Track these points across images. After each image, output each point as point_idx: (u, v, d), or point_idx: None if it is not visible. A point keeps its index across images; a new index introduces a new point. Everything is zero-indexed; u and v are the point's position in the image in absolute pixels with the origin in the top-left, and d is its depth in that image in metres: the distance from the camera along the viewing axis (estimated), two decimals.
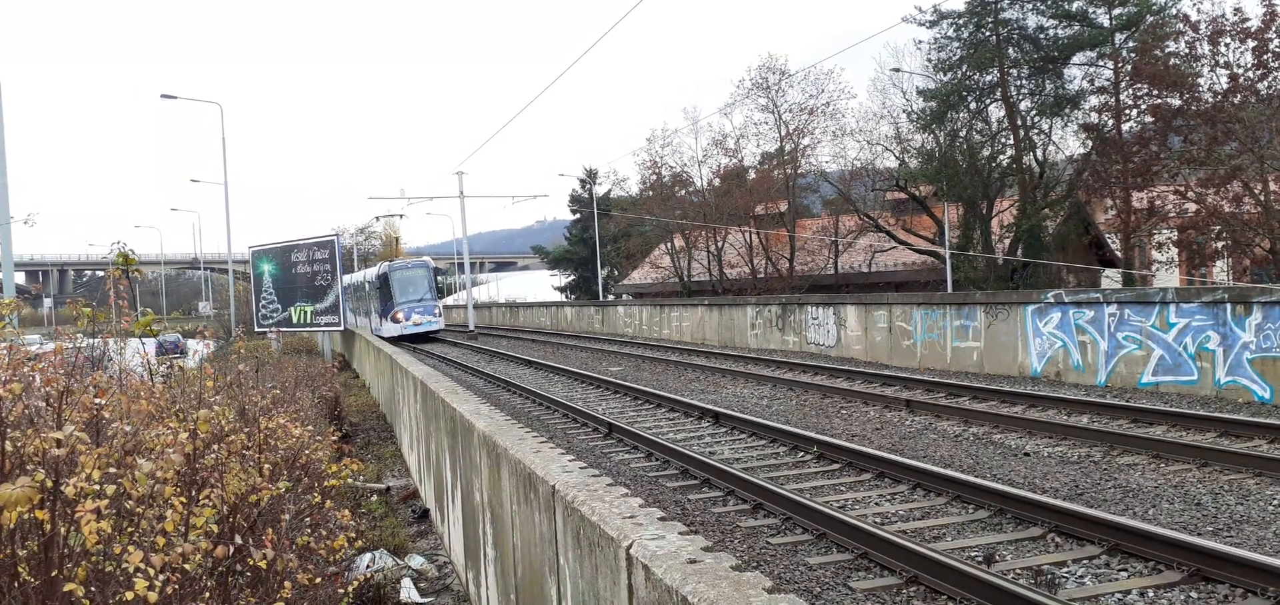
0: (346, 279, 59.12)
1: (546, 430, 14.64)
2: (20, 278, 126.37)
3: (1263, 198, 24.42)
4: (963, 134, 35.27)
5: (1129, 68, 29.07)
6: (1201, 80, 26.00)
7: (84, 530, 4.00)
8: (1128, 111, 29.77)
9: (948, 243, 34.04)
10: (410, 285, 41.00)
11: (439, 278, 43.32)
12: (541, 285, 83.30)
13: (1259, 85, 24.62)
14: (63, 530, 4.21)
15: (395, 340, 35.91)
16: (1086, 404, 13.62)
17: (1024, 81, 33.41)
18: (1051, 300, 18.11)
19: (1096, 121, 31.51)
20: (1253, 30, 24.37)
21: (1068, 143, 34.59)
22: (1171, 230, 28.49)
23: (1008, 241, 34.87)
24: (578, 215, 65.78)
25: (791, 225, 41.37)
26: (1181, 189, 26.86)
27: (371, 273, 45.90)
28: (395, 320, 39.69)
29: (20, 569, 4.17)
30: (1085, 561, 6.96)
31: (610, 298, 56.39)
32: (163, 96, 41.85)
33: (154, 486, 4.43)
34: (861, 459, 10.57)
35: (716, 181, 45.31)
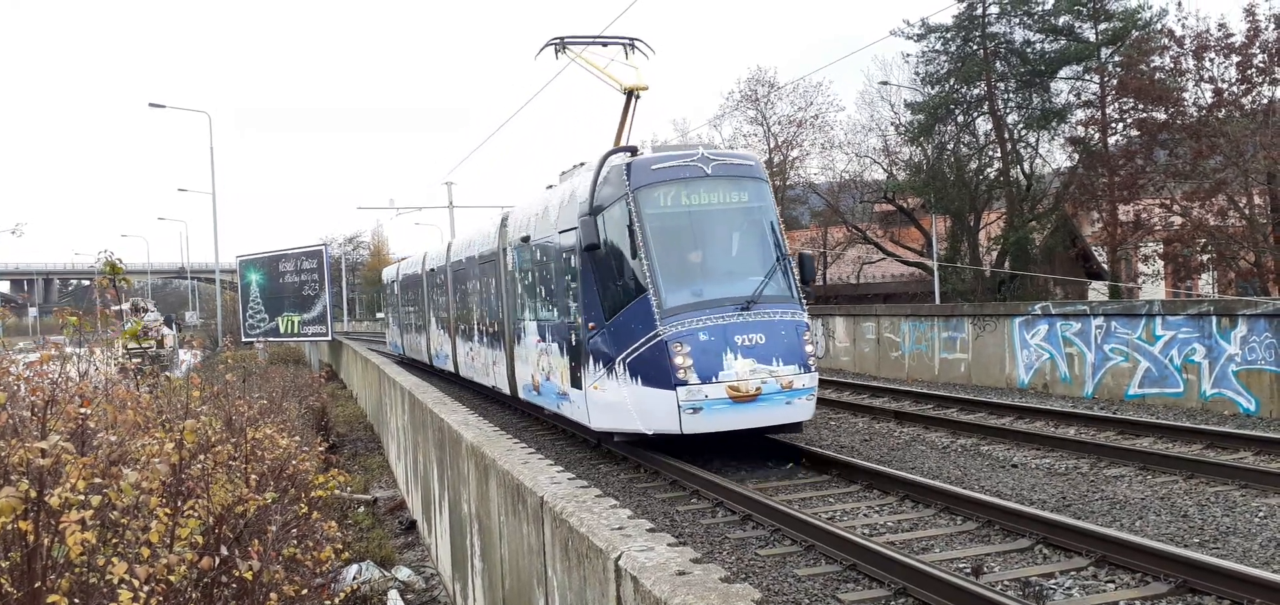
0: (422, 261, 25.67)
1: (534, 442, 14.60)
2: (4, 286, 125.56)
3: (1247, 211, 24.62)
4: (950, 147, 35.50)
5: (1115, 82, 29.31)
6: (1186, 94, 26.25)
7: (68, 541, 3.97)
8: (1114, 125, 30.02)
9: (935, 255, 34.18)
10: (717, 246, 11.71)
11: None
12: None
13: (1243, 99, 24.85)
14: (46, 541, 4.17)
15: (672, 443, 11.08)
16: (1074, 416, 13.67)
17: (1011, 95, 33.66)
18: (1038, 312, 18.19)
19: (1083, 135, 31.75)
20: (1237, 45, 24.60)
21: (1054, 156, 34.88)
22: (1157, 243, 28.68)
23: (995, 254, 35.07)
24: None
25: None
26: (1167, 202, 27.06)
27: (543, 203, 14.01)
28: (673, 377, 10.52)
29: (2, 581, 4.13)
30: (1073, 573, 6.98)
31: None
32: (151, 105, 41.57)
33: (139, 497, 4.40)
34: (850, 470, 10.57)
35: None
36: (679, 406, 10.45)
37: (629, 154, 11.78)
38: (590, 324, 11.56)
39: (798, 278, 11.73)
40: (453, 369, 21.25)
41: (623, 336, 11.01)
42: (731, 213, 11.69)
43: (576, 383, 12.12)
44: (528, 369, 14.66)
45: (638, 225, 11.01)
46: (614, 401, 11.19)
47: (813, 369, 11.10)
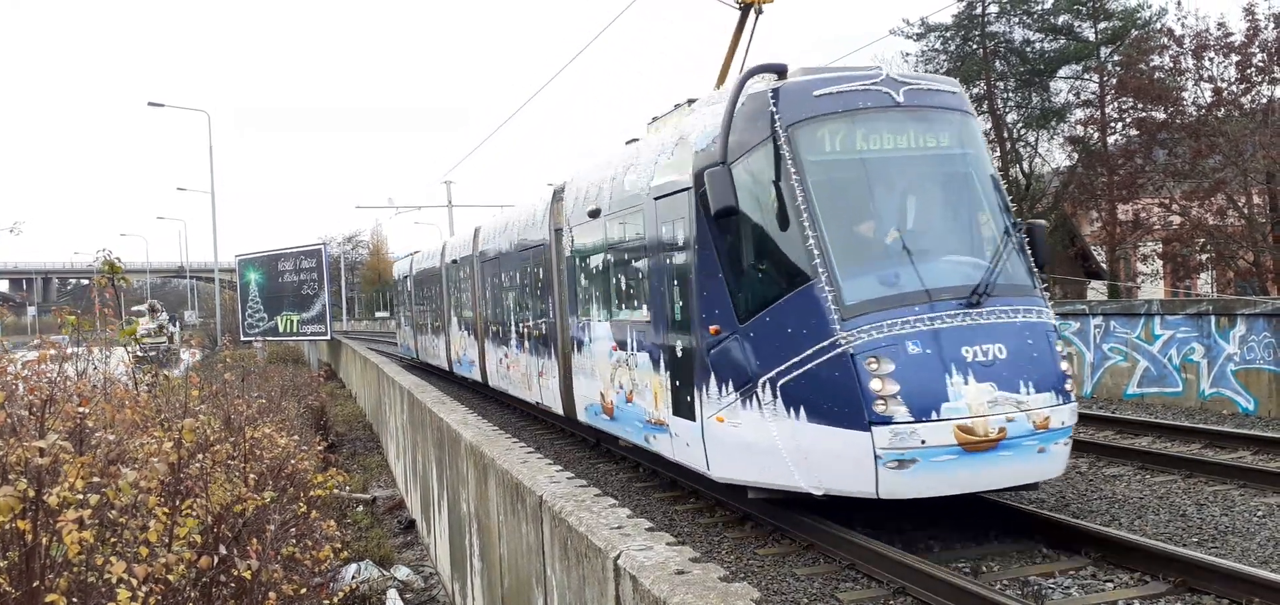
0: (441, 252, 22.63)
1: (533, 442, 14.58)
2: (4, 285, 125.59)
3: (1246, 211, 24.62)
4: None
5: (1114, 81, 29.31)
6: (1186, 94, 26.24)
7: (66, 540, 3.97)
8: (1113, 124, 30.02)
9: None
10: (918, 210, 8.09)
11: None
12: None
13: (1242, 99, 24.85)
14: (45, 541, 4.17)
15: (846, 506, 7.69)
16: None
17: (1011, 94, 33.67)
18: None
19: (1082, 134, 31.76)
20: (1236, 45, 24.60)
21: (1054, 155, 34.86)
22: (1156, 243, 28.69)
23: None
24: None
25: None
26: (1166, 202, 27.07)
27: (624, 161, 10.43)
28: (866, 410, 6.93)
29: (0, 580, 4.12)
30: (1072, 573, 6.97)
31: None
32: (150, 104, 41.63)
33: (138, 496, 4.40)
34: None
35: None
36: (876, 456, 6.87)
37: (775, 76, 8.01)
38: (712, 326, 8.00)
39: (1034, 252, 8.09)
40: (480, 378, 18.28)
41: (772, 345, 7.49)
42: (935, 161, 8.11)
43: (684, 410, 8.62)
44: (595, 384, 11.20)
45: (795, 179, 7.49)
46: (755, 442, 7.64)
47: (1072, 397, 7.50)
